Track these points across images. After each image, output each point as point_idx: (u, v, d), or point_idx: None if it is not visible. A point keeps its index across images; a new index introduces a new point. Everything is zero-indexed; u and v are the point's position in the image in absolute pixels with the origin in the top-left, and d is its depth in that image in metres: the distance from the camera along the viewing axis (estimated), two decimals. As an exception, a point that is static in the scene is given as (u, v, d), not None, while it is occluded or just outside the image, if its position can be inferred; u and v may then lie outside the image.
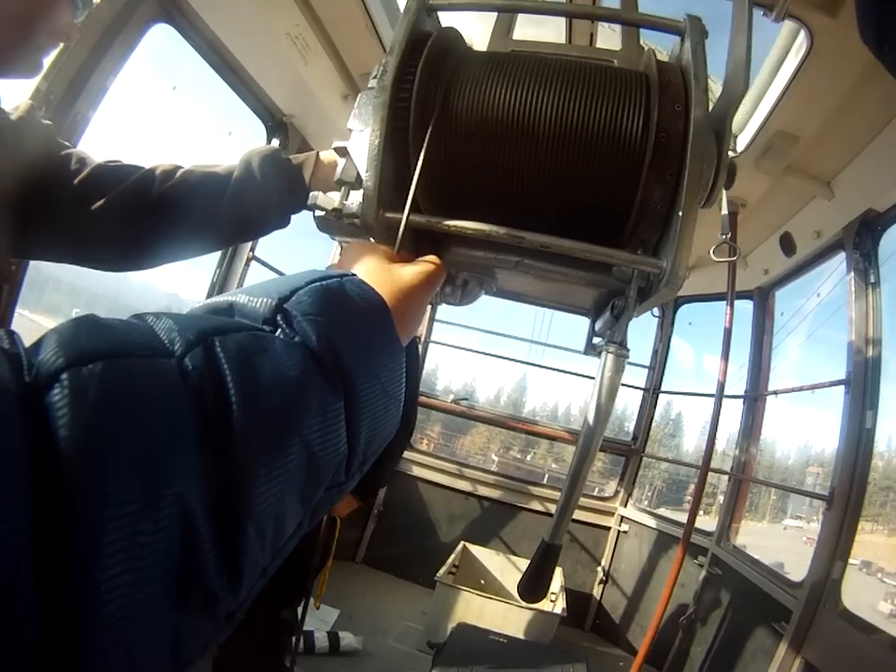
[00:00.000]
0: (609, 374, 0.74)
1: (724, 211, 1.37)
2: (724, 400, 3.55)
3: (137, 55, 2.27)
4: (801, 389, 3.82)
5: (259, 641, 3.05)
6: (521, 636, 3.54)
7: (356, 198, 0.74)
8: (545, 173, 0.73)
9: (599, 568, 4.97)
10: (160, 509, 0.29)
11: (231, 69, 2.90)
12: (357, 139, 0.74)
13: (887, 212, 2.83)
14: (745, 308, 4.26)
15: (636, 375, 5.34)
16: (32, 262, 1.95)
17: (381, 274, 0.60)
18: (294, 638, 3.20)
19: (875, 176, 2.75)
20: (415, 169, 0.70)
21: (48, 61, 1.05)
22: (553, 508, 4.88)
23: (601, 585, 4.94)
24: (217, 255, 3.38)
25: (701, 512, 3.55)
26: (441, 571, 3.97)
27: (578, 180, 0.73)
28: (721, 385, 3.50)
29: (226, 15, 2.57)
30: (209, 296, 3.37)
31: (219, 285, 3.36)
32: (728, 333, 3.46)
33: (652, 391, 5.24)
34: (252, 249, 3.43)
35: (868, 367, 2.89)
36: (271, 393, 0.37)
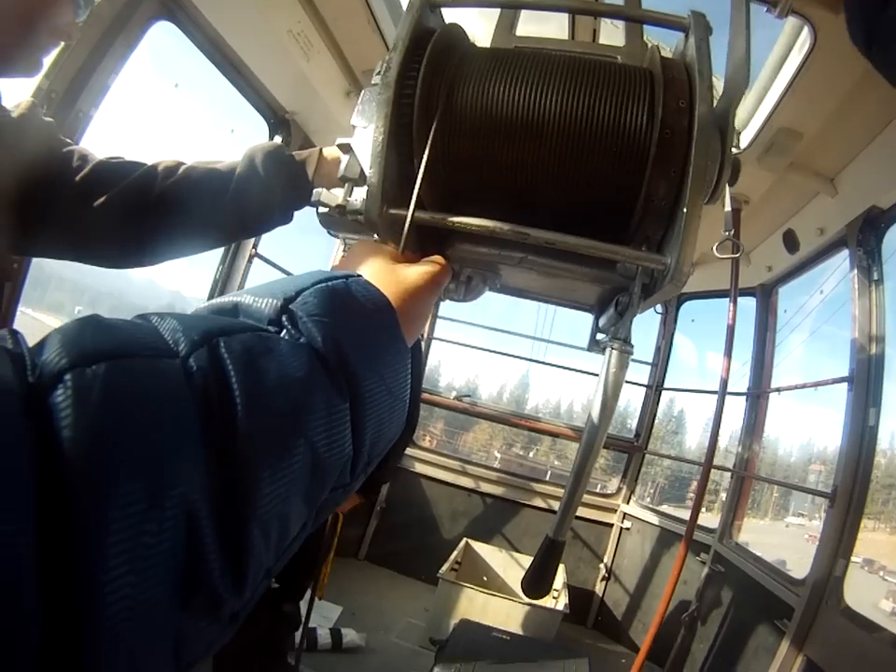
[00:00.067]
0: (614, 371, 0.74)
1: (728, 208, 1.37)
2: (727, 397, 3.55)
3: (139, 53, 2.27)
4: (804, 386, 3.81)
5: (261, 637, 3.06)
6: (523, 632, 3.54)
7: (359, 194, 0.74)
8: (549, 169, 0.73)
9: (602, 565, 4.97)
10: (164, 510, 0.29)
11: (232, 66, 2.90)
12: (360, 135, 0.74)
13: (890, 209, 2.82)
14: (748, 305, 4.25)
15: (638, 372, 5.32)
16: (34, 260, 1.95)
17: (386, 275, 0.60)
18: (299, 634, 3.21)
19: (879, 173, 2.74)
20: (420, 165, 0.70)
21: (48, 60, 1.05)
22: (555, 505, 4.88)
23: (603, 582, 4.94)
24: (219, 252, 3.39)
25: (703, 509, 3.54)
26: (444, 568, 3.96)
27: (582, 176, 0.73)
28: (724, 382, 3.50)
29: (227, 12, 2.57)
30: (212, 293, 3.40)
31: (222, 282, 3.37)
32: (731, 330, 3.46)
33: (655, 388, 5.22)
34: (255, 246, 3.43)
35: (871, 364, 2.88)
36: (276, 394, 0.37)
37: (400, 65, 0.72)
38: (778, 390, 4.11)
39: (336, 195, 0.76)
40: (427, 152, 0.70)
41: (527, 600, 3.71)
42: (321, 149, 1.20)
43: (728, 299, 3.51)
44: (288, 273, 3.66)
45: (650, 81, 0.74)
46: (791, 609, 2.91)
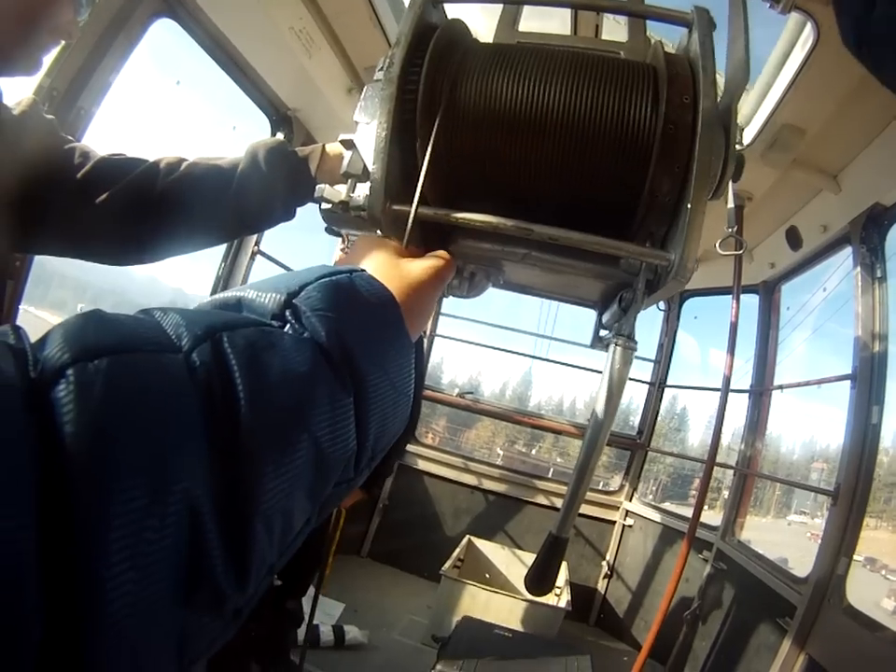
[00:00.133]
0: (617, 367, 0.74)
1: (731, 204, 1.37)
2: (730, 395, 3.54)
3: (140, 50, 2.27)
4: (807, 384, 3.80)
5: (264, 633, 3.07)
6: (526, 630, 3.54)
7: (362, 190, 0.73)
8: (553, 164, 0.73)
9: (604, 563, 4.97)
10: (166, 505, 0.29)
11: (234, 63, 2.90)
12: (363, 131, 0.73)
13: (894, 206, 2.81)
14: (751, 302, 4.25)
15: (641, 369, 5.32)
16: (36, 258, 1.95)
17: (390, 269, 0.60)
18: (303, 631, 3.22)
19: (883, 170, 2.73)
20: (423, 161, 0.70)
21: (48, 58, 1.05)
22: (558, 502, 4.90)
23: (606, 580, 4.94)
24: (221, 249, 3.39)
25: (706, 507, 3.54)
26: (446, 565, 3.97)
27: (585, 172, 0.73)
28: (727, 380, 3.48)
29: (229, 9, 2.58)
30: (214, 290, 3.40)
31: (224, 279, 3.37)
32: (734, 327, 3.45)
33: (658, 385, 5.22)
34: (257, 243, 3.44)
35: (874, 362, 2.88)
36: (279, 389, 0.36)
37: (403, 61, 0.72)
38: (781, 388, 4.10)
39: (339, 191, 0.76)
40: (430, 147, 0.70)
41: (530, 597, 3.72)
42: (323, 146, 1.19)
43: (731, 296, 3.50)
44: (291, 270, 3.67)
45: (653, 77, 0.74)
46: (794, 607, 2.91)
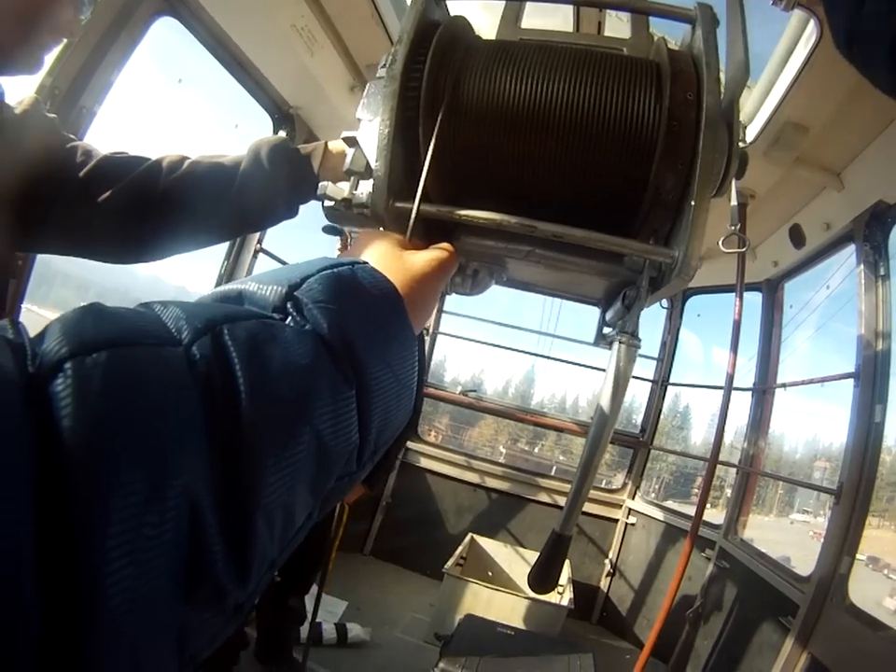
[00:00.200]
0: (621, 364, 0.74)
1: (734, 202, 1.36)
2: (733, 393, 3.53)
3: (142, 49, 2.27)
4: (810, 382, 3.80)
5: (266, 630, 3.08)
6: (528, 628, 3.54)
7: (365, 188, 0.73)
8: (556, 161, 0.73)
9: (607, 561, 4.98)
10: (166, 500, 0.28)
11: (236, 62, 2.90)
12: (366, 129, 0.73)
13: (897, 204, 2.81)
14: (754, 300, 4.24)
15: (644, 367, 5.33)
16: (39, 257, 1.95)
17: (393, 262, 0.59)
18: (306, 629, 3.22)
19: (886, 168, 2.72)
20: (426, 158, 0.69)
21: (50, 57, 1.05)
22: (560, 500, 4.90)
23: (608, 578, 4.95)
24: (224, 247, 3.40)
25: (708, 505, 3.54)
26: (449, 563, 3.98)
27: (589, 169, 0.73)
28: (730, 378, 3.47)
29: (230, 8, 2.58)
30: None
31: (227, 276, 3.38)
32: (737, 325, 3.44)
33: (661, 383, 5.22)
34: (259, 241, 3.44)
35: (878, 360, 2.87)
36: (280, 381, 0.36)
37: (406, 58, 0.72)
38: (784, 386, 4.10)
39: (342, 188, 0.76)
40: (433, 143, 0.70)
41: (532, 595, 3.72)
42: (326, 143, 1.19)
43: (734, 294, 3.49)
44: (293, 266, 3.67)
45: (657, 73, 0.73)
46: (796, 606, 2.90)
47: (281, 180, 1.17)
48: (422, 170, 0.69)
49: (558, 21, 2.54)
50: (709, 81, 0.69)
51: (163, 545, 0.28)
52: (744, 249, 2.63)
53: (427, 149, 0.70)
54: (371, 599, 4.14)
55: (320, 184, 0.77)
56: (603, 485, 5.50)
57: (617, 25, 2.58)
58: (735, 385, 3.55)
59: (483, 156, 0.75)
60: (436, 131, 0.70)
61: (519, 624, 3.46)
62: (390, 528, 5.16)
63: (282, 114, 3.34)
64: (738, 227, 1.22)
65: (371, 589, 4.35)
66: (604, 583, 4.95)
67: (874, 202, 2.85)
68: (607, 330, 0.97)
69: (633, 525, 4.97)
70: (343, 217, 0.80)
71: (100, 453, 0.27)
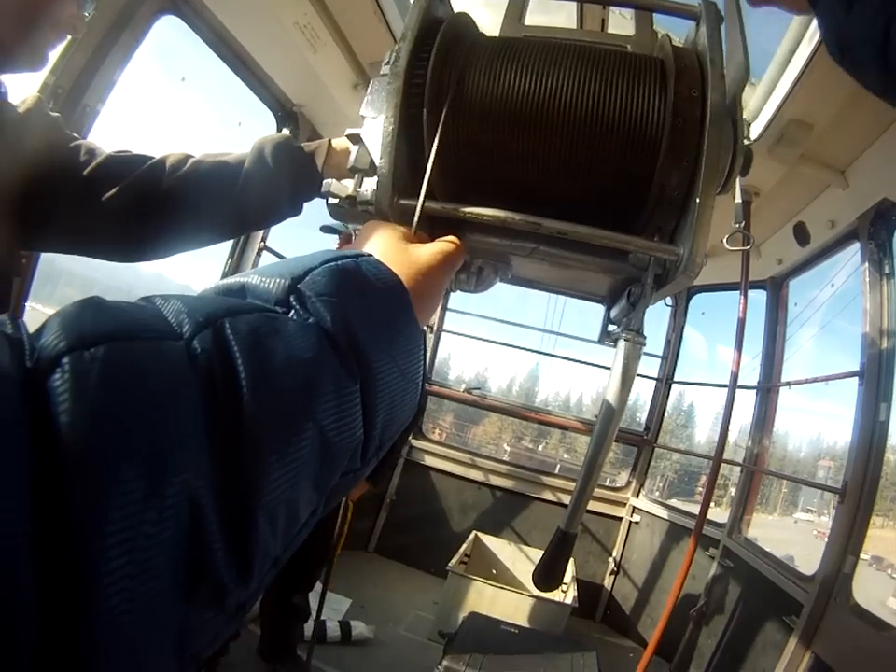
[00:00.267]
0: (626, 362, 0.74)
1: (738, 199, 1.36)
2: (737, 391, 3.52)
3: (145, 47, 2.28)
4: (815, 381, 3.79)
5: (270, 628, 3.08)
6: (532, 626, 3.55)
7: (369, 185, 0.73)
8: (561, 158, 0.73)
9: (611, 559, 4.97)
10: (165, 497, 0.28)
11: (239, 60, 2.90)
12: (370, 126, 0.73)
13: (902, 201, 2.79)
14: (758, 299, 4.23)
15: (648, 365, 5.32)
16: (44, 256, 1.95)
17: (398, 254, 0.59)
18: (310, 626, 3.22)
19: (891, 166, 2.71)
20: (430, 155, 0.69)
21: (53, 55, 1.04)
22: (564, 498, 4.89)
23: (612, 576, 4.94)
24: (228, 245, 3.40)
25: (712, 504, 3.53)
26: (453, 561, 3.98)
27: (594, 166, 0.73)
28: (735, 376, 3.46)
29: (233, 6, 2.58)
30: (221, 287, 3.40)
31: (230, 274, 3.37)
32: (741, 323, 3.43)
33: (665, 381, 5.21)
34: (263, 239, 3.44)
35: (882, 359, 2.85)
36: (283, 375, 0.35)
37: (410, 55, 0.72)
38: (789, 384, 4.09)
39: (346, 186, 0.75)
40: (437, 140, 0.70)
41: (536, 594, 3.72)
42: (330, 141, 1.19)
43: (738, 292, 3.48)
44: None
45: (661, 70, 0.73)
46: (800, 605, 2.90)
47: (285, 178, 1.17)
48: (426, 167, 0.68)
49: (561, 18, 2.54)
50: (714, 78, 0.69)
51: (163, 543, 0.28)
52: (748, 247, 2.61)
53: (432, 146, 0.70)
54: (374, 597, 4.15)
55: (324, 181, 0.77)
56: (607, 484, 5.49)
57: (620, 22, 2.58)
58: (739, 383, 3.54)
59: (487, 153, 0.75)
60: (440, 127, 0.70)
61: (523, 622, 3.47)
62: (394, 526, 5.16)
63: (285, 112, 3.34)
64: (743, 224, 1.22)
65: (374, 587, 4.35)
66: (608, 582, 4.95)
67: (878, 199, 2.83)
68: (611, 328, 0.97)
69: (637, 523, 4.97)
70: (347, 214, 0.79)
71: (98, 449, 0.26)
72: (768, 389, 4.18)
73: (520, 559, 4.61)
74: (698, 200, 0.64)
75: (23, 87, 1.11)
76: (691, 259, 0.64)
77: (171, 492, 0.28)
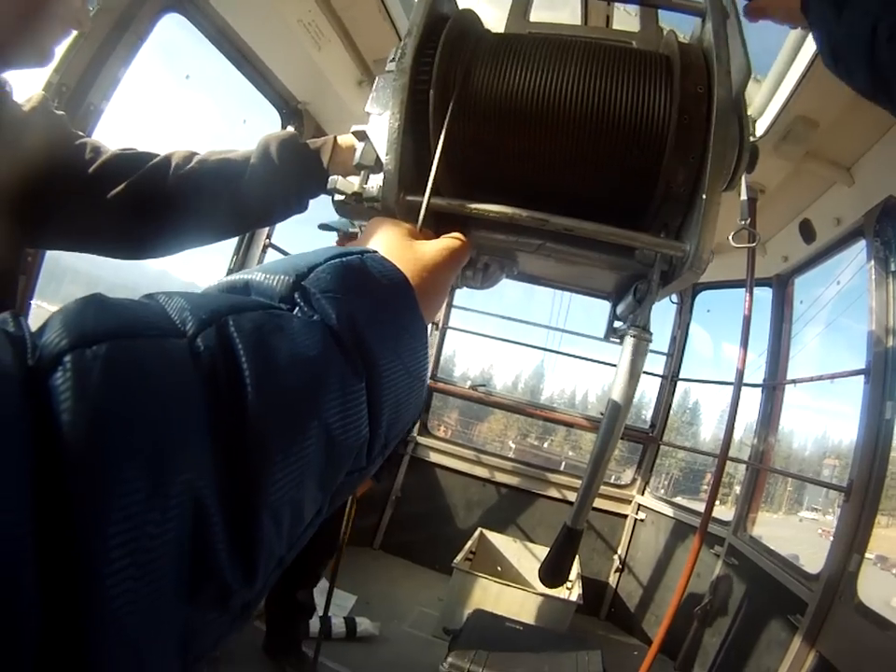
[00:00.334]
0: (632, 358, 0.74)
1: (744, 196, 1.36)
2: (742, 389, 3.51)
3: (149, 45, 2.28)
4: (820, 378, 3.78)
5: (275, 624, 3.09)
6: (537, 623, 3.55)
7: (375, 181, 0.73)
8: (567, 155, 0.73)
9: (615, 557, 4.98)
10: (168, 498, 0.28)
11: (243, 57, 2.91)
12: (375, 122, 0.73)
13: (908, 199, 2.78)
14: (763, 296, 4.22)
15: (653, 363, 5.32)
16: (49, 253, 1.96)
17: (404, 251, 0.58)
18: (315, 623, 3.23)
19: (896, 163, 2.70)
20: (436, 151, 0.69)
21: (58, 53, 1.04)
22: (570, 495, 4.90)
23: (617, 574, 4.94)
24: (233, 242, 3.41)
25: (717, 502, 3.52)
26: (458, 558, 3.99)
27: (600, 162, 0.73)
28: (740, 374, 3.44)
29: (237, 3, 2.58)
30: (226, 283, 3.42)
31: (236, 272, 3.38)
32: (747, 321, 3.42)
33: (670, 378, 5.20)
34: (269, 236, 3.45)
35: (888, 357, 2.84)
36: (288, 373, 0.35)
37: (415, 51, 0.72)
38: (794, 382, 4.08)
39: (352, 182, 0.75)
40: (443, 137, 0.69)
41: (541, 590, 3.72)
42: (335, 137, 1.19)
43: (744, 289, 3.47)
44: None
45: (667, 66, 0.73)
46: (805, 603, 2.89)
47: (290, 175, 1.17)
48: (432, 163, 0.68)
49: (566, 14, 2.54)
50: (720, 74, 0.69)
51: (166, 544, 0.28)
52: (754, 244, 2.60)
53: (438, 143, 0.70)
54: (380, 593, 4.16)
55: (330, 178, 0.77)
56: (612, 481, 5.49)
57: (625, 19, 2.57)
58: (745, 380, 3.53)
59: (493, 149, 0.75)
60: (446, 124, 0.70)
61: (528, 619, 3.47)
62: (399, 523, 5.18)
63: (290, 109, 3.34)
64: (748, 221, 1.22)
65: (380, 583, 4.36)
66: (613, 579, 4.95)
67: (884, 197, 2.82)
68: (618, 324, 0.97)
69: (642, 520, 4.96)
70: (353, 210, 0.80)
71: (100, 449, 0.26)
72: (774, 387, 4.17)
73: (525, 556, 4.62)
74: (704, 196, 0.64)
75: (28, 85, 1.11)
76: (697, 255, 0.64)
77: (174, 492, 0.28)
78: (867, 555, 2.82)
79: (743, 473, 4.29)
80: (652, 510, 4.90)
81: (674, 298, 4.91)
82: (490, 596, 3.69)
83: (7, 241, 1.04)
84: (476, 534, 4.61)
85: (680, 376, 5.25)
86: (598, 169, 0.73)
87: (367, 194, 0.73)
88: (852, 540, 2.77)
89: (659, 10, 0.96)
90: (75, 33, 1.08)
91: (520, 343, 6.35)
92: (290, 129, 3.32)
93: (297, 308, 0.40)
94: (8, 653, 0.22)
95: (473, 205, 0.70)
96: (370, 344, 0.41)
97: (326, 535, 2.88)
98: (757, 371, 4.45)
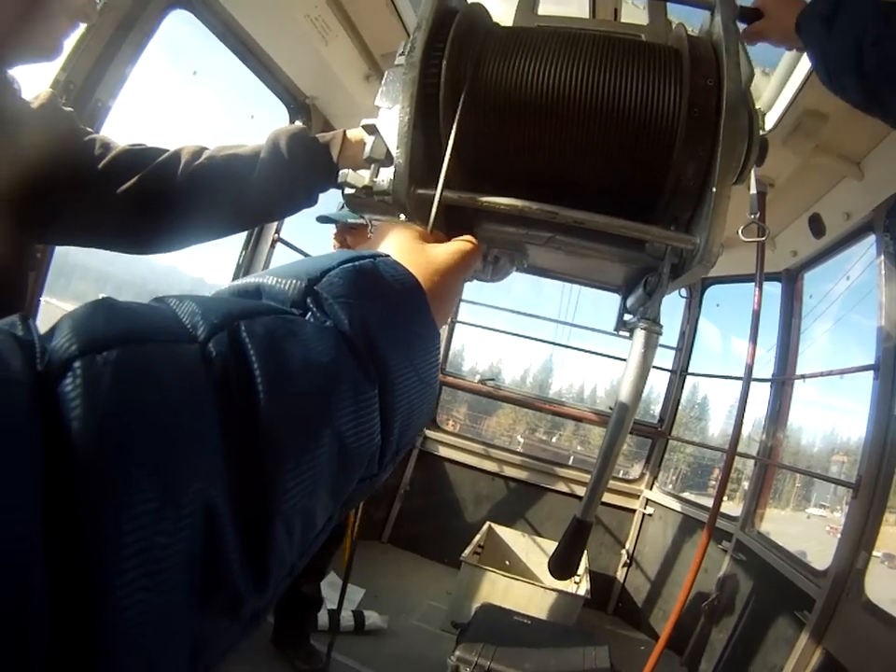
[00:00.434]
0: (642, 350, 0.74)
1: (753, 190, 1.35)
2: (751, 384, 3.50)
3: (156, 42, 2.29)
4: (829, 374, 3.76)
5: (282, 617, 3.10)
6: (545, 617, 3.56)
7: (386, 175, 0.73)
8: (577, 148, 0.73)
9: (623, 551, 4.98)
10: (180, 507, 0.27)
11: (250, 53, 2.92)
12: (385, 116, 0.73)
13: (918, 193, 2.76)
14: (773, 291, 4.20)
15: (663, 357, 5.30)
16: (58, 250, 1.97)
17: (415, 255, 0.57)
18: (323, 616, 3.24)
19: (906, 158, 2.69)
20: (447, 145, 0.70)
21: (66, 48, 1.04)
22: (578, 489, 4.90)
23: (625, 568, 4.95)
24: (242, 237, 3.42)
25: (725, 498, 3.51)
26: (467, 551, 4.00)
27: (610, 155, 0.73)
28: (749, 369, 3.42)
29: (243, -1, 2.58)
30: (235, 278, 3.42)
31: (245, 267, 3.40)
32: (756, 316, 3.41)
33: (679, 373, 5.19)
34: (277, 231, 3.46)
35: (898, 352, 2.83)
36: (300, 380, 0.35)
37: (425, 45, 0.72)
38: (803, 377, 4.07)
39: (362, 176, 0.76)
40: (454, 130, 0.70)
41: (549, 585, 3.73)
42: (344, 131, 1.19)
43: (753, 283, 3.45)
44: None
45: (676, 60, 0.73)
46: (812, 600, 2.89)
47: (300, 169, 1.18)
48: (443, 157, 0.69)
49: (573, 8, 2.53)
50: (730, 67, 0.68)
51: (178, 554, 0.27)
52: (763, 238, 2.59)
53: (449, 136, 0.70)
54: (388, 587, 4.18)
55: (341, 171, 0.77)
56: (621, 475, 5.49)
57: (633, 13, 2.57)
58: (753, 375, 3.52)
59: (503, 142, 0.75)
60: (457, 117, 0.70)
61: (536, 613, 3.47)
62: (408, 516, 5.19)
63: (297, 104, 3.35)
64: (758, 216, 1.22)
65: (388, 577, 4.38)
66: (620, 574, 4.95)
67: (894, 191, 2.81)
68: (627, 317, 0.97)
69: (650, 515, 4.96)
70: (364, 204, 0.80)
71: (110, 457, 0.26)
72: (783, 382, 4.16)
73: (533, 550, 4.63)
74: (714, 190, 0.64)
75: (36, 83, 1.11)
76: (707, 248, 0.64)
77: (186, 501, 0.28)
78: (875, 553, 2.81)
79: (751, 469, 4.28)
80: (661, 504, 4.90)
81: (683, 292, 4.89)
82: (498, 590, 3.71)
83: (16, 237, 1.04)
84: (484, 528, 4.63)
85: (689, 371, 5.24)
86: (608, 162, 0.73)
87: (377, 188, 0.73)
88: (860, 537, 2.76)
89: (668, 4, 0.96)
90: (83, 26, 1.08)
91: (529, 337, 6.33)
92: (298, 123, 3.33)
93: (309, 313, 0.39)
94: (18, 654, 0.22)
95: (484, 198, 0.70)
96: (382, 350, 0.40)
97: (332, 530, 2.88)
98: (766, 366, 4.45)
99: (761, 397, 4.26)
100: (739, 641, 3.51)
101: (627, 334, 0.91)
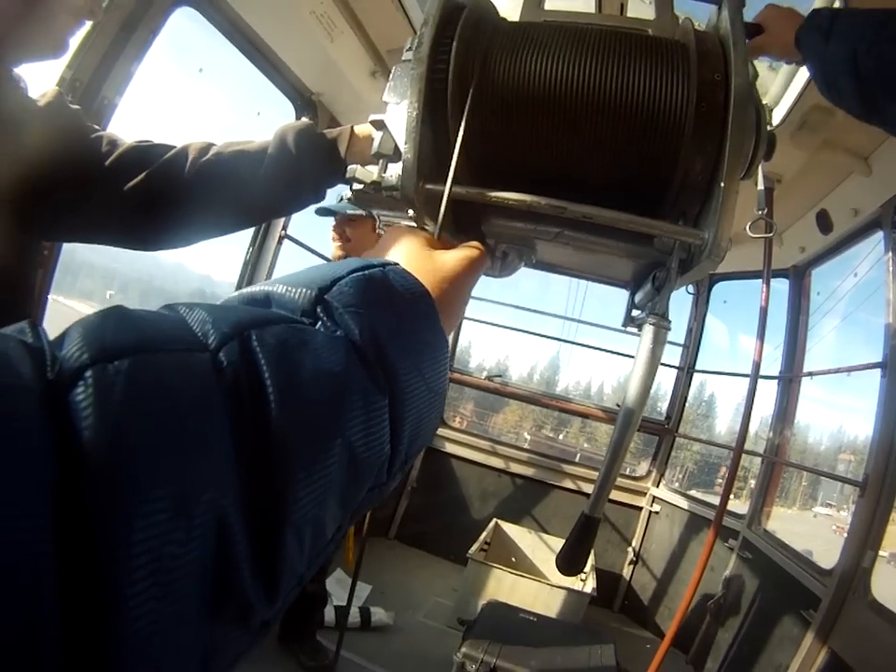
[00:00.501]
0: (651, 346, 0.74)
1: (760, 186, 1.36)
2: (758, 381, 3.48)
3: (162, 39, 2.30)
4: (837, 371, 3.74)
5: (288, 613, 3.11)
6: (551, 614, 3.55)
7: (394, 170, 0.74)
8: (585, 143, 0.73)
9: (630, 549, 4.96)
10: (192, 517, 0.27)
11: (256, 50, 2.92)
12: (393, 112, 0.74)
13: (926, 190, 2.75)
14: (780, 288, 4.18)
15: (670, 354, 5.28)
16: (65, 248, 1.98)
17: (423, 262, 0.57)
18: (329, 611, 3.24)
19: (914, 154, 2.67)
20: (455, 140, 0.70)
21: (70, 48, 1.05)
22: (585, 486, 4.90)
23: (631, 566, 4.93)
24: (249, 233, 3.43)
25: (731, 496, 3.50)
26: (473, 548, 4.00)
27: (618, 150, 0.73)
28: (757, 366, 3.40)
29: (248, -5, 2.59)
30: (242, 276, 3.44)
31: (252, 263, 3.41)
32: (764, 312, 3.39)
33: (686, 370, 5.17)
34: (284, 227, 3.47)
35: (906, 349, 2.81)
36: (311, 389, 0.35)
37: (432, 40, 0.72)
38: (811, 374, 4.05)
39: (370, 171, 0.76)
40: (462, 125, 0.70)
41: (556, 582, 3.73)
42: (352, 127, 1.19)
43: (760, 280, 3.43)
44: (317, 254, 3.69)
45: (684, 54, 0.73)
46: (818, 599, 2.87)
47: (308, 164, 1.18)
48: (451, 152, 0.69)
49: (580, 3, 2.52)
50: (737, 62, 0.68)
51: (189, 564, 0.27)
52: (771, 234, 2.57)
53: (457, 131, 0.70)
54: (394, 583, 4.18)
55: (349, 167, 0.77)
56: (628, 473, 5.48)
57: (639, 7, 2.55)
58: (761, 372, 3.50)
59: (511, 137, 0.75)
60: (465, 113, 0.70)
61: (542, 611, 3.47)
62: (415, 513, 5.19)
63: (304, 101, 3.36)
64: (765, 211, 1.22)
65: (395, 573, 4.39)
66: (626, 571, 4.94)
67: (902, 187, 2.79)
68: (636, 313, 0.97)
69: (657, 513, 4.95)
70: (372, 199, 0.80)
71: (121, 467, 0.26)
72: (790, 379, 4.14)
73: (540, 547, 4.63)
74: (722, 185, 0.64)
75: (42, 81, 1.12)
76: (715, 243, 0.64)
77: (198, 510, 0.28)
78: (881, 553, 2.80)
79: (758, 467, 4.26)
80: (667, 502, 4.88)
81: (690, 289, 4.87)
82: (504, 587, 3.71)
83: (23, 235, 1.05)
84: (491, 524, 4.62)
85: (697, 368, 5.22)
86: (616, 157, 0.73)
87: (386, 183, 0.74)
88: (866, 537, 2.74)
89: (674, -2, 0.96)
90: (88, 24, 1.08)
91: (535, 333, 6.31)
92: (305, 119, 3.33)
93: (319, 322, 0.39)
94: (30, 661, 0.22)
95: (492, 193, 0.70)
96: (392, 360, 0.40)
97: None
98: (773, 363, 4.43)
99: (768, 394, 4.24)
100: (745, 640, 3.50)
101: (635, 330, 0.91)
